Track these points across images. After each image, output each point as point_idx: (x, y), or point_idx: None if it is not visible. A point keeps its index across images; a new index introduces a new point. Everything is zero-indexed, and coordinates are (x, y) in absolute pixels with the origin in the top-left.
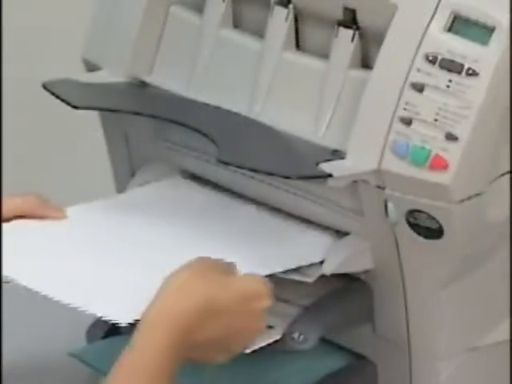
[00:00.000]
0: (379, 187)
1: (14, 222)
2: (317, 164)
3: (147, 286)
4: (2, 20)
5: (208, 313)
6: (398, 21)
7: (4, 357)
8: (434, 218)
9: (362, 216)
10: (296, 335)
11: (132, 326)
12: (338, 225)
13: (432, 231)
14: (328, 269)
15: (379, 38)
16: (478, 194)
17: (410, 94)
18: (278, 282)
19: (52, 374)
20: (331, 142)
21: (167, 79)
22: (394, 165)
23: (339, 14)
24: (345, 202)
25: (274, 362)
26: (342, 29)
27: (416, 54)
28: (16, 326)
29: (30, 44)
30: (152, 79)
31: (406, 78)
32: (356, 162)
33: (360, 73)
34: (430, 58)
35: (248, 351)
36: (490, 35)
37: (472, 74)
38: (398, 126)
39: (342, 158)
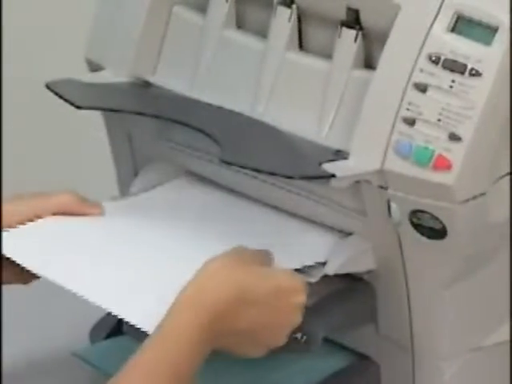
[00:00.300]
0: (382, 187)
1: (49, 219)
2: (320, 164)
3: (167, 292)
4: (4, 20)
5: (242, 301)
6: (401, 21)
7: (6, 357)
8: (437, 219)
9: (365, 216)
10: (299, 335)
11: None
12: (340, 225)
13: (435, 231)
14: (331, 269)
15: (382, 39)
16: (481, 194)
17: (413, 95)
18: None
19: (55, 374)
20: (334, 142)
21: (170, 79)
22: (396, 165)
23: (342, 14)
24: (348, 202)
25: (277, 362)
26: (345, 29)
27: (419, 54)
28: (18, 326)
29: (33, 44)
30: (155, 79)
31: (409, 79)
32: (359, 162)
33: (363, 73)
34: (433, 58)
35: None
36: (493, 35)
37: (475, 74)
38: (401, 127)
39: (345, 158)
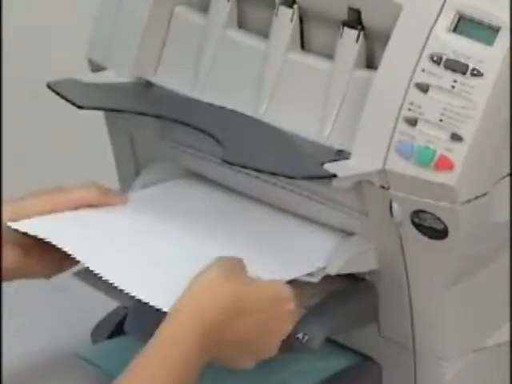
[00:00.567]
0: (384, 187)
1: (76, 212)
2: (321, 164)
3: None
4: (4, 20)
5: (236, 312)
6: (403, 21)
7: (5, 358)
8: (438, 219)
9: (367, 216)
10: (301, 336)
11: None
12: (342, 225)
13: (437, 232)
14: (333, 269)
15: (384, 39)
16: (482, 195)
17: (415, 95)
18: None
19: (56, 374)
20: (336, 142)
21: (172, 79)
22: (398, 165)
23: (344, 15)
24: (349, 203)
25: (279, 363)
26: (346, 29)
27: (421, 54)
28: (20, 327)
29: (33, 44)
30: (157, 79)
31: (411, 79)
32: (361, 163)
33: (365, 73)
34: (435, 58)
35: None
36: (495, 35)
37: (477, 74)
38: (403, 127)
39: (347, 158)
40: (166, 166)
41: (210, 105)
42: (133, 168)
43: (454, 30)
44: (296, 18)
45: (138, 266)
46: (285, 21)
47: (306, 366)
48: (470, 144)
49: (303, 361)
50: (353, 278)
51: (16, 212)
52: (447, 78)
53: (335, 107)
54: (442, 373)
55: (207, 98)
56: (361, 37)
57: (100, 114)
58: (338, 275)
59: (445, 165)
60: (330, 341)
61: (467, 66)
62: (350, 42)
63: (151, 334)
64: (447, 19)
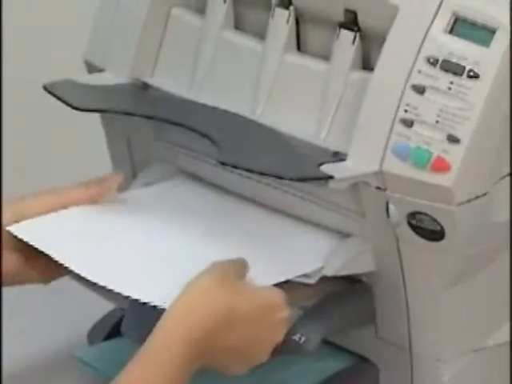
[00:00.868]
0: (380, 189)
1: (74, 212)
2: (318, 166)
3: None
4: (4, 20)
5: (229, 321)
6: (399, 22)
7: (4, 359)
8: (435, 220)
9: (364, 218)
10: (298, 337)
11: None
12: (339, 226)
13: (434, 233)
14: (329, 270)
15: (380, 40)
16: (480, 196)
17: (411, 96)
18: (279, 283)
19: (53, 376)
20: (332, 144)
21: (169, 81)
22: (395, 166)
23: (340, 16)
24: (346, 204)
25: (276, 364)
26: (343, 31)
27: (417, 55)
28: (16, 328)
29: (33, 44)
30: (154, 81)
31: (407, 80)
32: (357, 164)
33: (361, 74)
34: (431, 59)
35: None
36: (492, 37)
37: (473, 75)
38: (400, 128)
39: (344, 159)
40: (163, 168)
41: (207, 106)
42: (129, 169)
43: (451, 32)
44: (292, 19)
45: (133, 266)
46: (281, 22)
47: (303, 367)
48: (466, 145)
49: (300, 362)
50: (350, 280)
51: (16, 213)
52: (443, 79)
53: (332, 108)
54: (440, 374)
55: (204, 99)
56: (357, 38)
57: (96, 116)
58: (335, 277)
59: (441, 166)
60: (327, 342)
61: (463, 67)
62: (346, 44)
63: (147, 336)
64: (443, 20)
